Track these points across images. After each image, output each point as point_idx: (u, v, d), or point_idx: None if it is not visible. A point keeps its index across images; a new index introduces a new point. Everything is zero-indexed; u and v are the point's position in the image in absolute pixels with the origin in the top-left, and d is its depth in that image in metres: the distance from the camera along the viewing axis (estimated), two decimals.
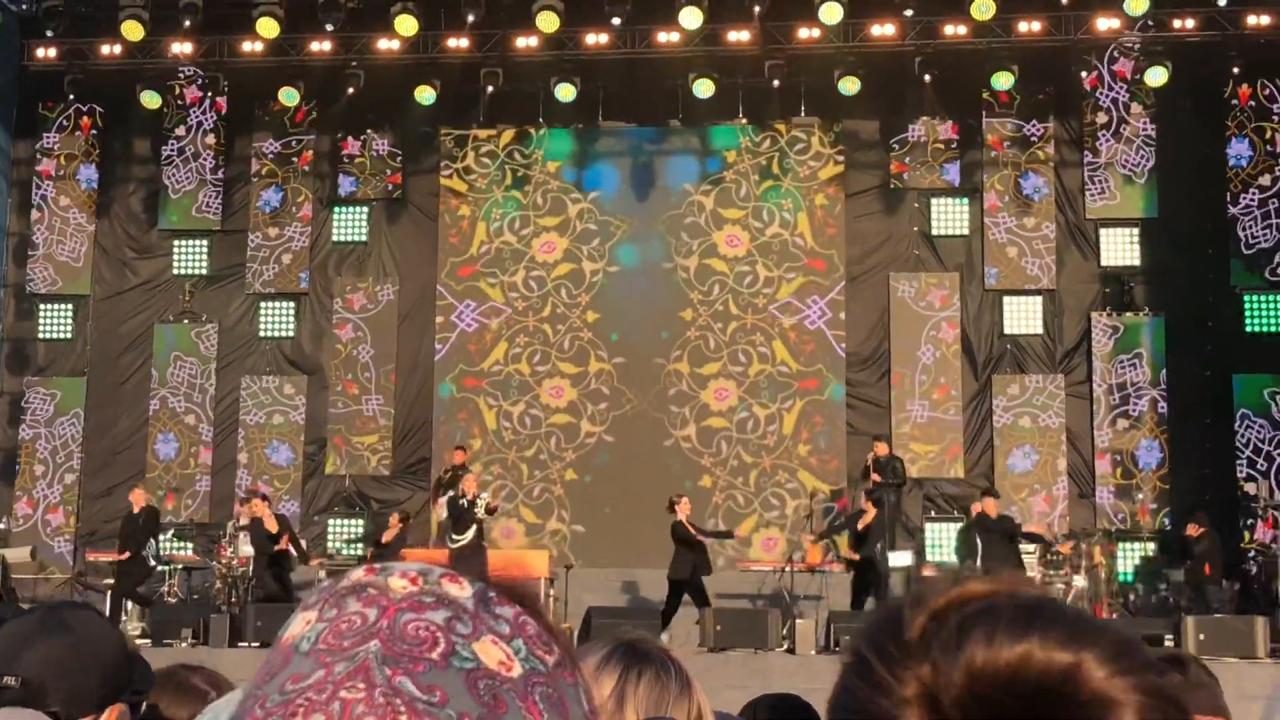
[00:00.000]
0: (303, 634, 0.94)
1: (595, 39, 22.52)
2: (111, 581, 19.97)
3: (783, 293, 23.26)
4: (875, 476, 20.27)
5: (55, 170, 24.87)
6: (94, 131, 24.90)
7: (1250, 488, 21.29)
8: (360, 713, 0.88)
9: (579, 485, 23.04)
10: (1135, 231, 22.92)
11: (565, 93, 22.71)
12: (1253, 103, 22.63)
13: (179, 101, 24.47)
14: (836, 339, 23.07)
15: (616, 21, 21.90)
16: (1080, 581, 19.51)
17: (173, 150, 24.62)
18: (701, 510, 22.17)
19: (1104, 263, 22.90)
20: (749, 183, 23.59)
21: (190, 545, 22.21)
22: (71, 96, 23.70)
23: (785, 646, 17.07)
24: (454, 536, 19.26)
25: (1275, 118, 22.63)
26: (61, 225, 24.72)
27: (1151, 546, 21.67)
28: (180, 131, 24.61)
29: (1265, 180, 22.55)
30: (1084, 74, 22.75)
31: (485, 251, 23.83)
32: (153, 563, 20.01)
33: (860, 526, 19.18)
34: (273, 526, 18.99)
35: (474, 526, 19.09)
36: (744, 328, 23.24)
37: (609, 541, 22.13)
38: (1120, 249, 22.93)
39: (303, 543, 20.34)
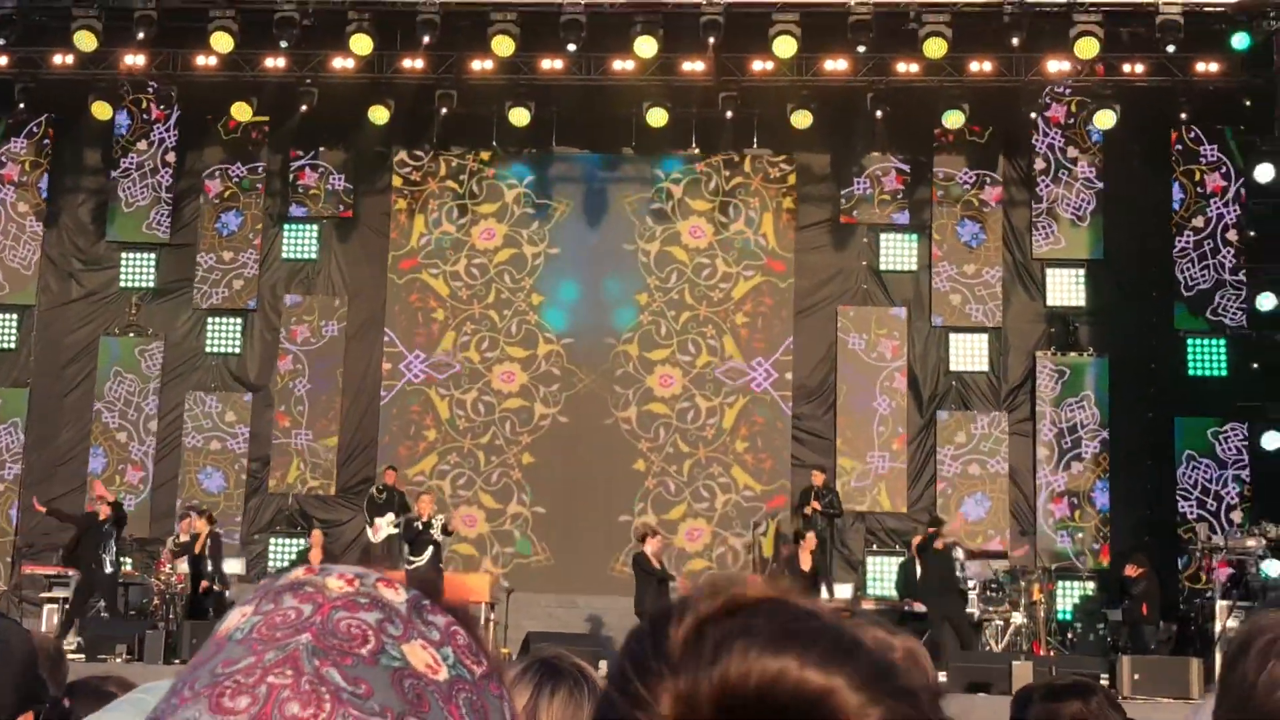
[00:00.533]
0: (237, 625, 0.97)
1: (550, 64, 22.54)
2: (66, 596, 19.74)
3: (739, 290, 23.38)
4: (814, 504, 20.40)
5: (4, 179, 24.66)
6: (45, 141, 24.72)
7: (1201, 529, 21.37)
8: (286, 697, 0.90)
9: (536, 468, 23.10)
10: (1081, 273, 23.11)
11: (519, 117, 22.72)
12: (1179, 146, 22.88)
13: (132, 113, 24.34)
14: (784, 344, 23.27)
15: (572, 48, 21.92)
16: (1019, 618, 19.60)
17: (124, 162, 24.46)
18: (630, 494, 22.63)
19: (1050, 303, 23.08)
20: (699, 213, 23.67)
21: (129, 560, 21.98)
22: (22, 105, 23.51)
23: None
24: (410, 559, 19.13)
25: (1202, 160, 22.90)
26: (9, 234, 24.51)
27: (1091, 585, 21.79)
28: (132, 144, 24.47)
29: (1199, 222, 22.82)
30: (1033, 115, 22.94)
31: (425, 243, 23.87)
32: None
33: (805, 568, 19.05)
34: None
35: (430, 548, 18.95)
36: (697, 319, 23.34)
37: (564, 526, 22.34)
38: (1066, 289, 23.13)
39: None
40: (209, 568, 19.59)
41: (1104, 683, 16.02)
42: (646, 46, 21.54)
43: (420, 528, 19.15)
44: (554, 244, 23.77)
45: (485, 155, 24.04)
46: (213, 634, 0.98)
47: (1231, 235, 22.62)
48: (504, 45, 21.69)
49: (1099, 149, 23.20)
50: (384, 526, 20.63)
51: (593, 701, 2.57)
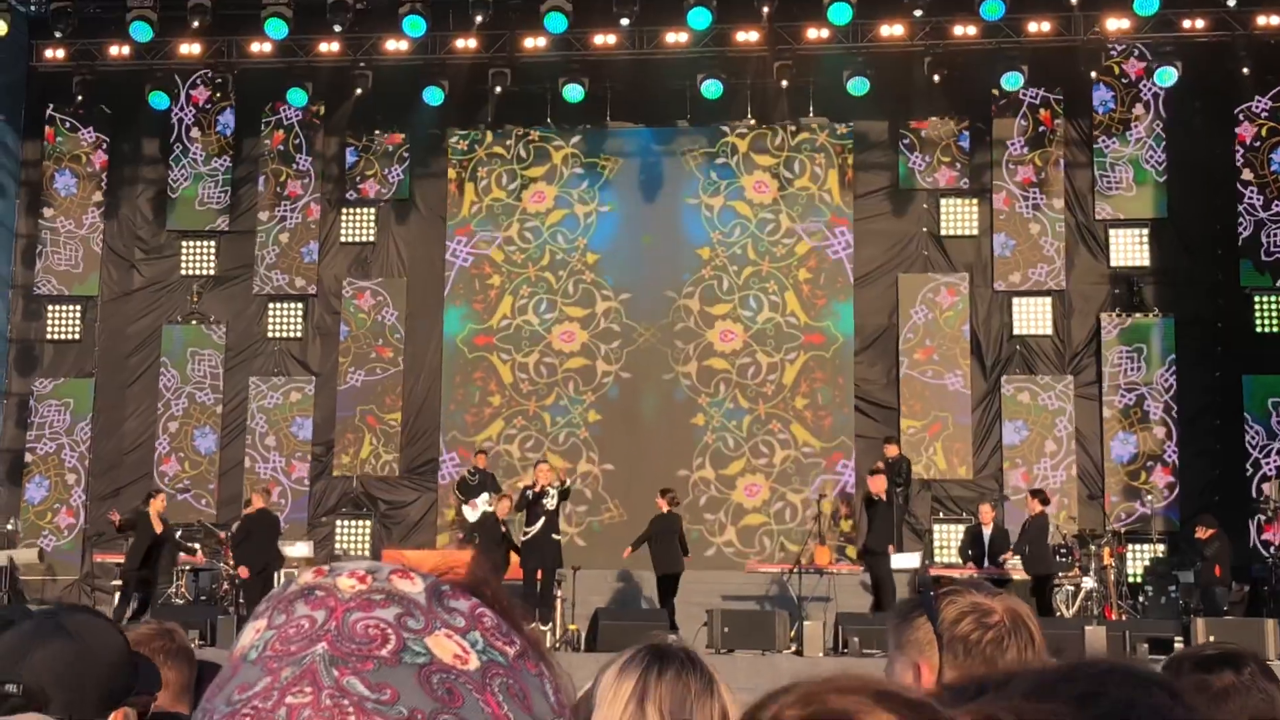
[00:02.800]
0: (251, 643, 0.92)
1: (604, 40, 22.51)
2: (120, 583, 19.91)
3: (802, 246, 23.30)
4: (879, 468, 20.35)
5: (62, 171, 24.87)
6: (102, 132, 24.91)
7: (1268, 488, 21.18)
8: (307, 717, 0.85)
9: (602, 425, 23.15)
10: (1145, 232, 22.85)
11: (573, 93, 22.68)
12: (1241, 102, 22.55)
13: (189, 102, 24.48)
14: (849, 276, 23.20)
15: (625, 22, 21.87)
16: (1089, 583, 19.44)
17: (180, 151, 24.62)
18: (689, 449, 22.64)
19: (1113, 264, 22.84)
20: (755, 189, 23.58)
21: (198, 546, 22.16)
22: (80, 97, 23.68)
23: (793, 648, 17.02)
24: (525, 529, 19.14)
25: (1264, 115, 22.57)
26: (69, 226, 24.72)
27: (1161, 548, 21.58)
28: (190, 133, 24.61)
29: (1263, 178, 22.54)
30: (1093, 74, 22.68)
31: (476, 211, 23.88)
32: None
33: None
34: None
35: (542, 519, 18.84)
36: (759, 274, 23.25)
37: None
38: (1130, 250, 22.87)
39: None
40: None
41: (1179, 646, 15.92)
42: (700, 18, 21.44)
43: (531, 497, 19.03)
44: (604, 202, 23.73)
45: (541, 135, 24.00)
46: (231, 653, 0.93)
47: None
48: (557, 22, 21.65)
49: (1160, 107, 22.90)
50: (480, 505, 20.71)
51: (701, 684, 2.56)
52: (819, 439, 22.83)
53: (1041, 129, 23.13)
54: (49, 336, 24.72)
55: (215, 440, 23.99)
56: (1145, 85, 22.78)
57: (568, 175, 23.93)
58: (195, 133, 24.65)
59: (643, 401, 23.14)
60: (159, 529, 19.32)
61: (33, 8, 23.52)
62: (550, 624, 18.43)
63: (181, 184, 24.57)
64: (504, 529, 19.51)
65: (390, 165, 24.31)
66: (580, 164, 23.92)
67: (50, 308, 24.75)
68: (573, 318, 23.57)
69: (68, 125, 24.89)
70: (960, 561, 19.34)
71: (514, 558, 19.34)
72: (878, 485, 19.09)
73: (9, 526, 23.38)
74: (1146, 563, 21.41)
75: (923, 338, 22.89)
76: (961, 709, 0.80)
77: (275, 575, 19.20)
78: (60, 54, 23.58)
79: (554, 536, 18.92)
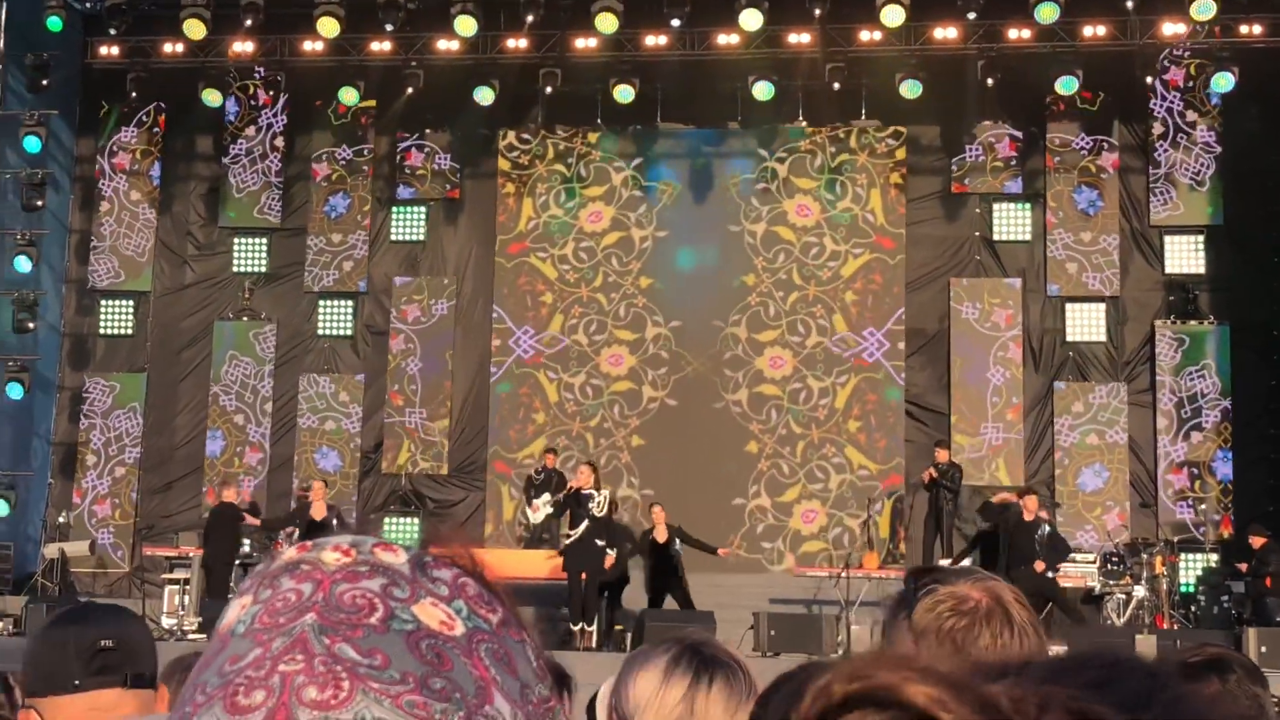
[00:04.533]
0: (238, 618, 0.93)
1: (654, 40, 22.49)
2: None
3: (848, 268, 23.20)
4: (930, 472, 20.18)
5: (117, 167, 25.06)
6: (156, 129, 25.07)
7: None
8: (301, 683, 0.87)
9: (645, 450, 23.06)
10: (1200, 239, 22.63)
11: (624, 94, 22.66)
12: None
13: (241, 100, 24.62)
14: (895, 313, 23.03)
15: (676, 23, 21.85)
16: (1141, 591, 19.28)
17: (233, 148, 24.75)
18: (745, 477, 22.50)
19: (1168, 270, 22.63)
20: (805, 191, 23.49)
21: (248, 541, 22.23)
22: (134, 94, 23.85)
23: (840, 652, 16.94)
24: (568, 532, 19.04)
25: None
26: (123, 222, 24.90)
27: (1214, 557, 21.37)
28: (242, 130, 24.75)
29: None
30: (1149, 79, 22.48)
31: (534, 227, 23.88)
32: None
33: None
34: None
35: (585, 522, 18.61)
36: (805, 299, 23.17)
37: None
38: (1185, 256, 22.66)
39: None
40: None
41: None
42: (752, 19, 21.39)
43: (574, 499, 18.86)
44: (662, 227, 23.64)
45: (592, 136, 23.98)
46: (216, 630, 0.94)
47: None
48: (608, 22, 21.64)
49: (1217, 112, 22.68)
50: (542, 507, 20.69)
51: (746, 690, 2.55)
52: (874, 461, 22.62)
53: (1096, 134, 22.94)
54: (102, 331, 24.90)
55: (266, 436, 24.10)
56: (1202, 90, 22.55)
57: (626, 197, 23.80)
58: (248, 130, 24.77)
59: (687, 431, 22.96)
60: (320, 515, 19.52)
61: (88, 5, 23.70)
62: (594, 625, 18.40)
63: (233, 181, 24.70)
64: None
65: (440, 165, 24.35)
66: (640, 186, 23.78)
67: (103, 303, 24.93)
68: (622, 341, 23.48)
69: (122, 122, 25.04)
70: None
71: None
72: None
73: (61, 519, 23.56)
74: (1199, 572, 21.20)
75: (974, 343, 22.74)
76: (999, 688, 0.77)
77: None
78: (115, 51, 23.75)
79: (598, 542, 18.43)
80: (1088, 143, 22.92)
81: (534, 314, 23.74)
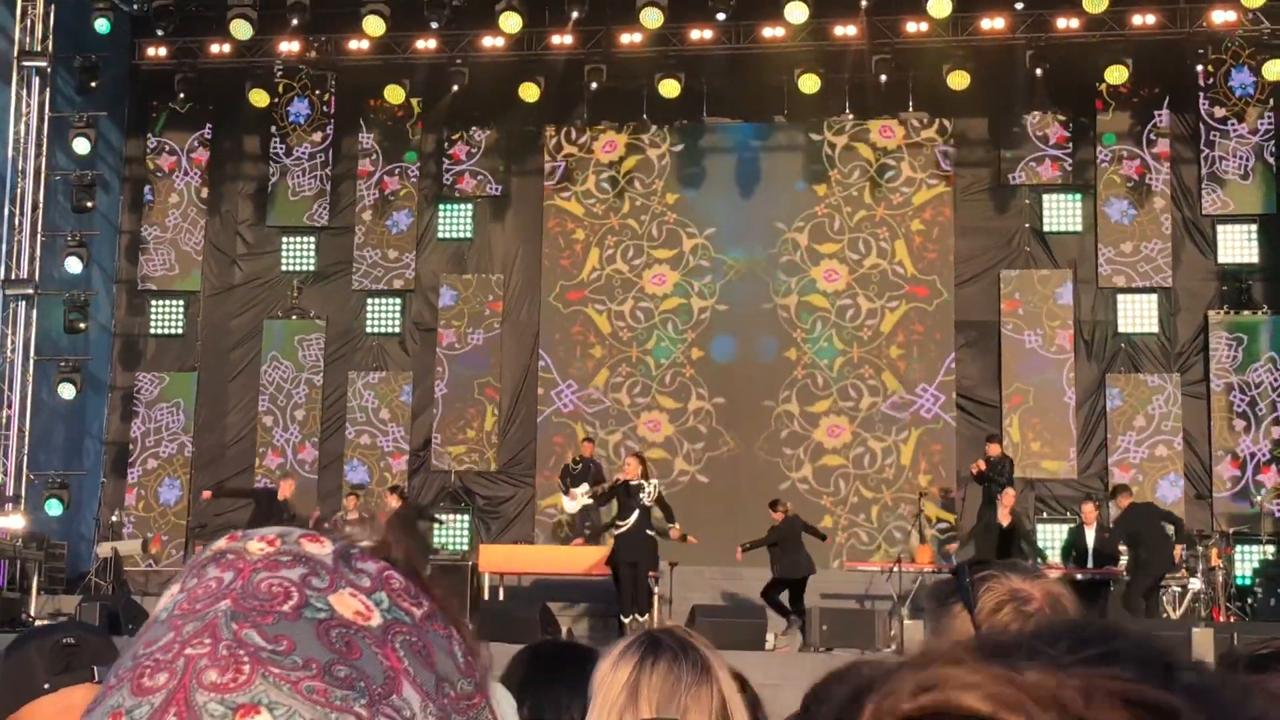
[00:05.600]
0: (164, 605, 0.95)
1: (699, 35, 22.44)
2: None
3: (886, 324, 23.00)
4: (979, 464, 20.02)
5: (166, 168, 25.20)
6: (203, 129, 25.20)
7: None
8: (204, 666, 0.88)
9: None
10: (1253, 228, 22.41)
11: (669, 89, 22.62)
12: None
13: (289, 99, 24.72)
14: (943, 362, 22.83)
15: (721, 17, 21.79)
16: (1197, 584, 19.11)
17: (280, 148, 24.85)
18: (826, 551, 21.39)
19: (1221, 260, 22.41)
20: (851, 185, 23.37)
21: None
22: (182, 95, 23.99)
23: (893, 648, 16.85)
24: (617, 522, 18.90)
25: None
26: (172, 222, 25.05)
27: (1270, 549, 21.15)
28: (290, 130, 24.85)
29: None
30: (1199, 67, 22.27)
31: (595, 278, 23.78)
32: None
33: (1004, 523, 18.72)
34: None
35: (636, 511, 18.54)
36: (850, 362, 22.97)
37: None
38: (1237, 246, 22.44)
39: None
40: None
41: None
42: (797, 12, 21.30)
43: (623, 490, 18.74)
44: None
45: (637, 133, 23.90)
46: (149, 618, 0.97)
47: None
48: (652, 17, 21.60)
49: (1268, 101, 22.44)
50: (579, 496, 20.67)
51: (696, 673, 2.58)
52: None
53: (1146, 123, 22.74)
54: (152, 331, 25.05)
55: (316, 434, 24.18)
56: (1254, 78, 22.32)
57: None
58: (295, 129, 24.86)
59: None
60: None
61: (135, 6, 23.84)
62: (647, 617, 18.33)
63: (281, 180, 24.80)
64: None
65: (487, 162, 24.37)
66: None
67: (153, 302, 25.09)
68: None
69: (170, 122, 25.19)
70: (1062, 562, 19.03)
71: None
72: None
73: (114, 518, 23.72)
74: (1255, 564, 20.99)
75: (1025, 334, 22.58)
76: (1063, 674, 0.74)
77: None
78: (162, 52, 23.89)
79: (648, 533, 18.33)
80: (1137, 133, 22.72)
81: (580, 365, 23.61)
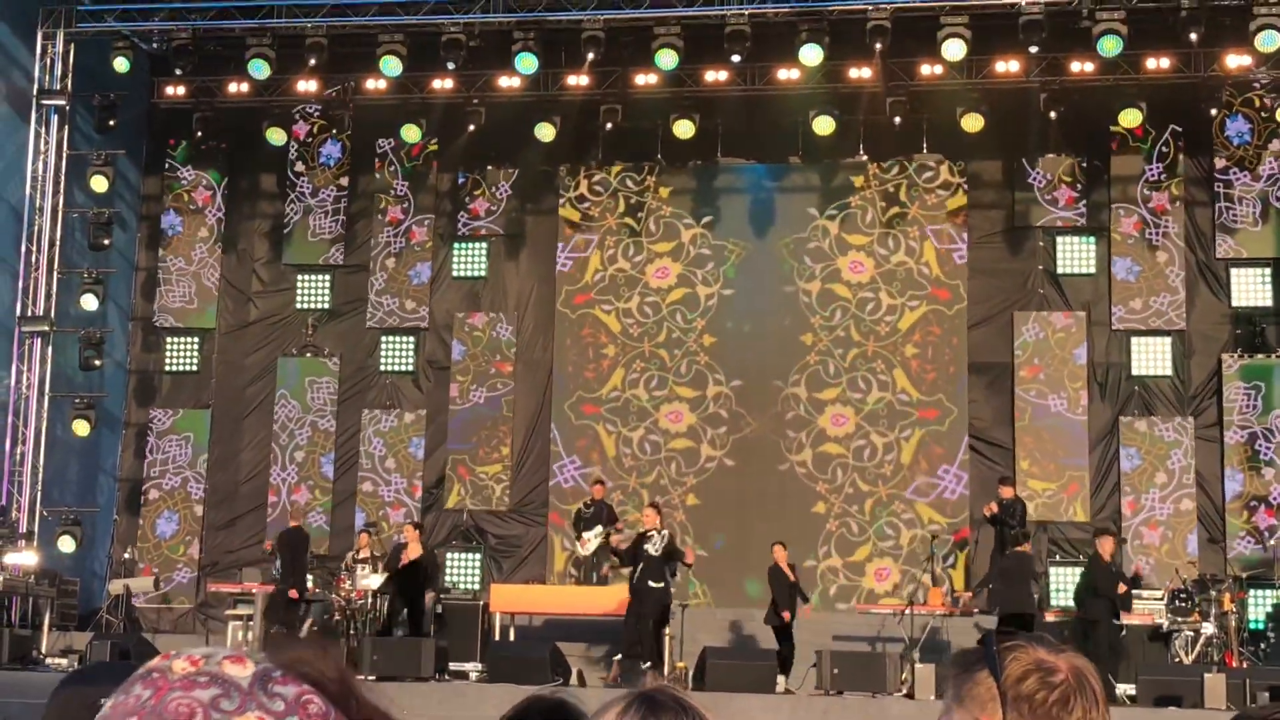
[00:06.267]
0: (99, 716, 1.01)
1: (715, 76, 22.52)
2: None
3: (905, 321, 23.08)
4: (992, 506, 19.97)
5: (183, 206, 25.32)
6: (221, 168, 25.32)
7: None
8: None
9: (701, 510, 22.95)
10: (1268, 272, 22.38)
11: (684, 130, 22.69)
12: None
13: (306, 138, 24.84)
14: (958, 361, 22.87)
15: (736, 59, 21.85)
16: (1209, 628, 18.99)
17: (299, 186, 24.96)
18: (814, 536, 22.26)
19: (1235, 303, 22.38)
20: (873, 214, 23.41)
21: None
22: (199, 133, 24.11)
23: (904, 691, 16.78)
24: (651, 585, 18.56)
25: None
26: (188, 260, 25.14)
27: None
28: (307, 168, 24.96)
29: None
30: (1214, 111, 22.29)
31: (599, 280, 23.90)
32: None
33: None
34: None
35: (640, 564, 18.21)
36: (864, 354, 23.05)
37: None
38: (1252, 289, 22.40)
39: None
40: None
41: None
42: (812, 54, 21.37)
43: (641, 540, 18.64)
44: (728, 286, 23.58)
45: (664, 191, 23.94)
46: None
47: None
48: (668, 58, 21.69)
49: None
50: (591, 540, 20.62)
51: None
52: (943, 515, 22.43)
53: (1160, 167, 22.76)
54: (167, 368, 25.12)
55: (330, 471, 24.21)
56: (1269, 122, 22.33)
57: (694, 254, 23.80)
58: (312, 169, 24.98)
59: (747, 491, 22.88)
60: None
61: (154, 46, 23.99)
62: (654, 666, 18.29)
63: (297, 219, 24.90)
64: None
65: (502, 201, 24.46)
66: (709, 245, 23.77)
67: (169, 340, 25.17)
68: (683, 398, 23.42)
69: (188, 161, 25.32)
70: (1075, 606, 18.90)
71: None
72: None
73: (127, 555, 23.74)
74: (1268, 609, 20.88)
75: (1038, 376, 22.56)
76: None
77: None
78: (181, 91, 24.02)
79: (651, 584, 18.17)
80: (1151, 176, 22.74)
81: (595, 366, 23.70)
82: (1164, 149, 22.77)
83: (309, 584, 20.14)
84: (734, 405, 23.22)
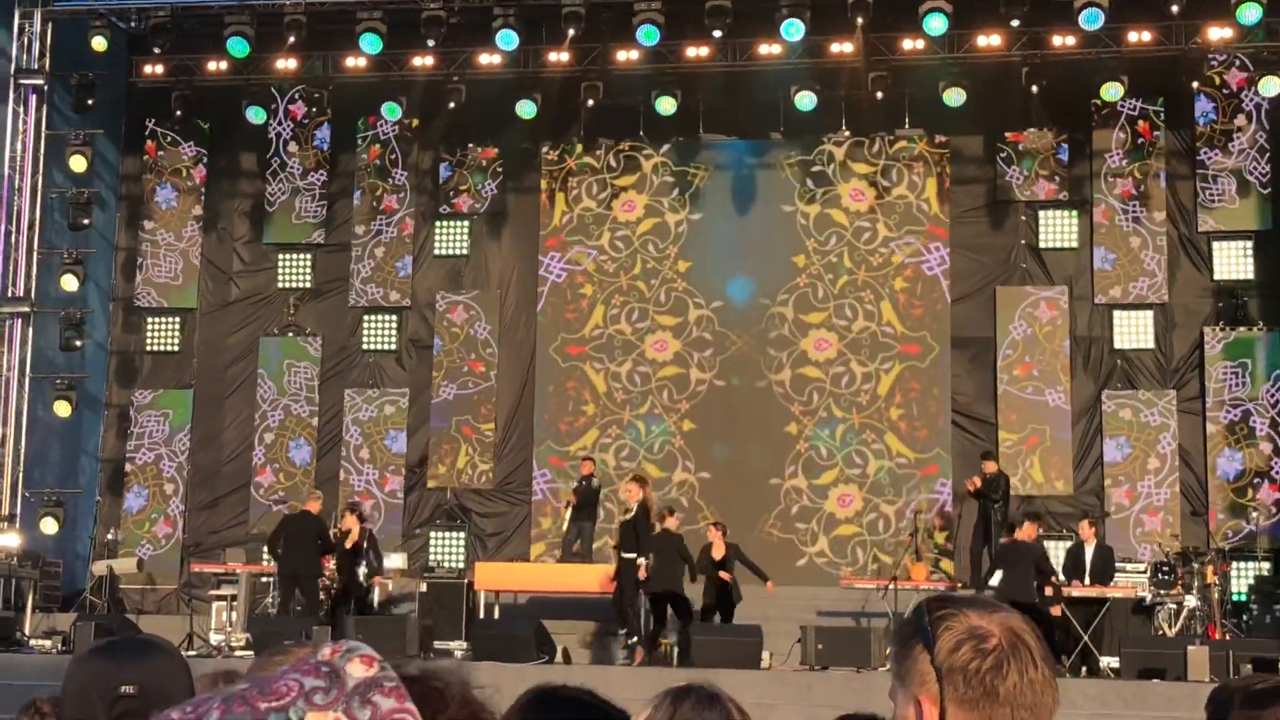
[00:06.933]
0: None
1: (696, 52, 22.44)
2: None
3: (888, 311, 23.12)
4: (975, 481, 20.03)
5: (162, 185, 25.19)
6: (200, 147, 25.20)
7: None
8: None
9: (698, 434, 23.08)
10: (1249, 244, 22.41)
11: (666, 106, 22.63)
12: None
13: (285, 117, 24.72)
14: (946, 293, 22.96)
15: (717, 34, 21.79)
16: (1192, 601, 19.07)
17: (277, 165, 24.85)
18: (782, 458, 22.62)
19: (1217, 276, 22.41)
20: (855, 189, 23.41)
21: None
22: (179, 112, 23.97)
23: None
24: (624, 555, 18.67)
25: None
26: (168, 240, 25.03)
27: (1266, 566, 21.12)
28: (286, 147, 24.85)
29: None
30: (1195, 84, 22.29)
31: (568, 221, 23.92)
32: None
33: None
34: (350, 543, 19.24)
35: (635, 542, 18.40)
36: (854, 283, 23.08)
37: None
38: (1234, 262, 22.43)
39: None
40: (372, 561, 19.76)
41: None
42: (793, 29, 21.32)
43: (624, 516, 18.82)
44: (695, 210, 23.69)
45: (628, 146, 24.01)
46: None
47: None
48: (649, 34, 21.62)
49: (1263, 118, 22.46)
50: (568, 517, 20.68)
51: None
52: (913, 450, 22.59)
53: (1142, 140, 22.77)
54: (148, 348, 25.02)
55: (310, 452, 24.15)
56: (1248, 96, 22.35)
57: (658, 184, 23.88)
58: (292, 147, 24.87)
59: (736, 408, 23.02)
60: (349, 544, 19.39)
61: (132, 25, 23.85)
62: (631, 636, 18.41)
63: (278, 198, 24.79)
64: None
65: (483, 179, 24.39)
66: (670, 172, 23.85)
67: (150, 320, 25.06)
68: (665, 327, 23.50)
69: (167, 140, 25.21)
70: (1064, 580, 18.94)
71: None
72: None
73: (110, 536, 23.69)
74: (1251, 581, 20.95)
75: (1021, 352, 22.59)
76: None
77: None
78: (159, 69, 23.86)
79: (623, 555, 18.55)
80: (1133, 149, 22.74)
81: (575, 307, 23.73)
82: (1145, 123, 22.76)
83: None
84: (717, 326, 23.29)
